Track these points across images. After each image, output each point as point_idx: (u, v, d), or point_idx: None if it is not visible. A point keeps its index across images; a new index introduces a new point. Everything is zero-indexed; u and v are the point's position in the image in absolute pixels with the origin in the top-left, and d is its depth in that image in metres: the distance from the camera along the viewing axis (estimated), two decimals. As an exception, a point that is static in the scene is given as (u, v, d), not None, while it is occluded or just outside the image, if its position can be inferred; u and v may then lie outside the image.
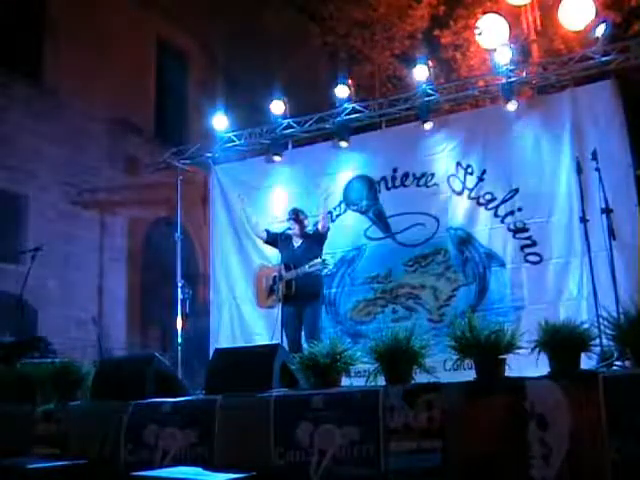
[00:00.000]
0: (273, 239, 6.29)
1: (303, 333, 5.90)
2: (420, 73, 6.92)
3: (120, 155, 10.70)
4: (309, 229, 6.26)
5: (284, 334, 5.70)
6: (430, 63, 7.00)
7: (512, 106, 6.51)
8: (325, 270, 5.89)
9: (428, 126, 6.93)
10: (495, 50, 6.85)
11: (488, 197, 6.75)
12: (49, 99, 9.58)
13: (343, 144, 7.30)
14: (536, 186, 6.53)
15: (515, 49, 6.78)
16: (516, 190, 6.60)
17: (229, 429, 3.64)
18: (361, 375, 3.94)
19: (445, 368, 5.24)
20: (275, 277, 6.00)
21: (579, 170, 5.26)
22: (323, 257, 5.90)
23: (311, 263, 5.69)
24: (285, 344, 5.53)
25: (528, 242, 6.51)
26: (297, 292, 5.78)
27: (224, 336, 7.68)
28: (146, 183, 10.12)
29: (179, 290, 7.46)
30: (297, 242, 6.13)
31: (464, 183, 6.89)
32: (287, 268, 5.87)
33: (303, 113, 7.71)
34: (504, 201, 6.66)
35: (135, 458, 3.84)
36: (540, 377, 3.12)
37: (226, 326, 7.78)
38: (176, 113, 12.38)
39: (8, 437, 4.34)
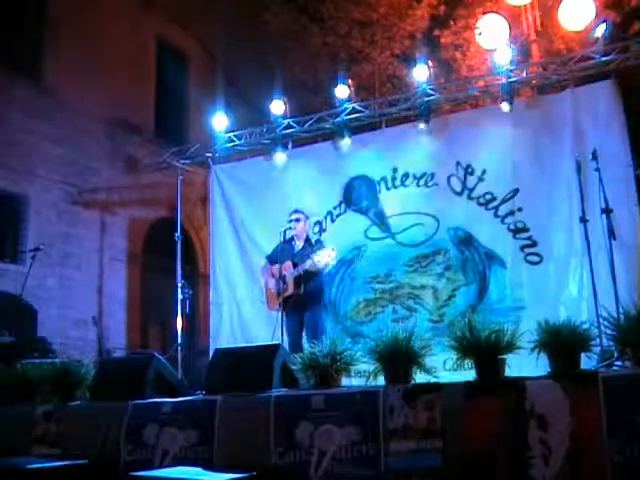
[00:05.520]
0: (275, 254, 6.14)
1: (304, 335, 5.89)
2: (420, 73, 6.92)
3: (120, 155, 10.69)
4: (312, 233, 6.28)
5: (285, 334, 5.70)
6: (430, 63, 7.01)
7: (508, 107, 6.51)
8: (330, 264, 5.74)
9: (427, 126, 6.93)
10: (495, 50, 6.86)
11: (488, 197, 6.75)
12: (49, 99, 9.57)
13: (343, 144, 7.30)
14: (536, 186, 6.53)
15: (515, 49, 6.77)
16: (516, 190, 6.61)
17: (229, 429, 3.64)
18: (361, 375, 3.94)
19: (445, 368, 5.25)
20: (281, 276, 5.92)
21: (579, 170, 5.26)
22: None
23: (318, 253, 5.60)
24: (286, 344, 5.54)
25: (528, 242, 6.51)
26: (304, 292, 5.76)
27: (224, 336, 7.69)
28: (146, 183, 10.13)
29: (179, 290, 7.47)
30: (299, 244, 6.11)
31: (464, 183, 6.89)
32: (294, 265, 5.84)
33: (303, 113, 7.71)
34: (504, 201, 6.66)
35: (135, 458, 3.84)
36: (540, 377, 3.12)
37: (226, 326, 7.78)
38: (176, 113, 12.38)
39: (8, 437, 4.34)
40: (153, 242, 10.84)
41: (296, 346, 5.67)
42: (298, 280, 5.77)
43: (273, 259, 6.02)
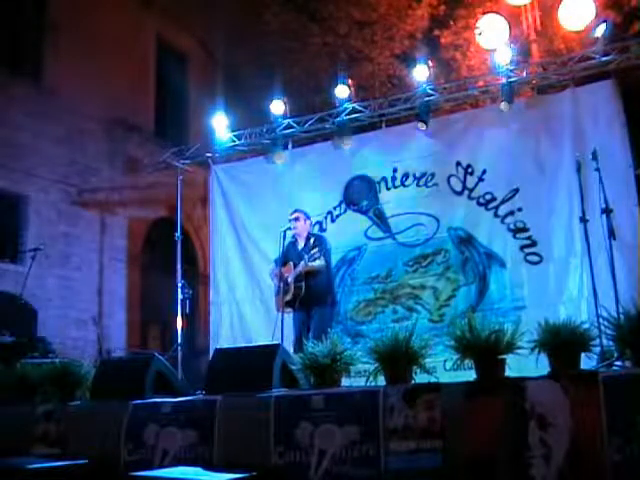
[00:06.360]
0: (282, 256, 6.03)
1: (310, 334, 5.88)
2: (420, 73, 6.92)
3: (120, 155, 10.69)
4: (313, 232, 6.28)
5: (292, 332, 5.70)
6: (430, 63, 7.00)
7: (508, 107, 6.50)
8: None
9: (427, 126, 6.93)
10: (495, 50, 6.86)
11: (488, 197, 6.76)
12: (49, 99, 9.57)
13: (343, 144, 7.30)
14: (536, 186, 6.53)
15: (515, 49, 6.77)
16: (516, 190, 6.61)
17: (229, 429, 3.64)
18: (361, 375, 3.94)
19: (445, 368, 5.27)
20: (283, 278, 5.91)
21: (579, 170, 5.26)
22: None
23: (311, 253, 5.63)
24: (291, 343, 5.54)
25: (528, 242, 6.51)
26: (306, 293, 5.75)
27: (224, 336, 7.69)
28: (146, 183, 10.13)
29: (179, 290, 7.47)
30: (301, 244, 6.11)
31: (464, 183, 6.89)
32: (294, 266, 5.84)
33: (303, 113, 7.71)
34: (504, 201, 6.66)
35: (135, 458, 3.84)
36: (540, 377, 3.11)
37: (226, 326, 7.78)
38: (176, 113, 12.39)
39: (8, 437, 4.34)
40: (153, 242, 10.85)
41: (301, 346, 5.66)
42: (298, 281, 5.76)
43: (280, 261, 5.99)
